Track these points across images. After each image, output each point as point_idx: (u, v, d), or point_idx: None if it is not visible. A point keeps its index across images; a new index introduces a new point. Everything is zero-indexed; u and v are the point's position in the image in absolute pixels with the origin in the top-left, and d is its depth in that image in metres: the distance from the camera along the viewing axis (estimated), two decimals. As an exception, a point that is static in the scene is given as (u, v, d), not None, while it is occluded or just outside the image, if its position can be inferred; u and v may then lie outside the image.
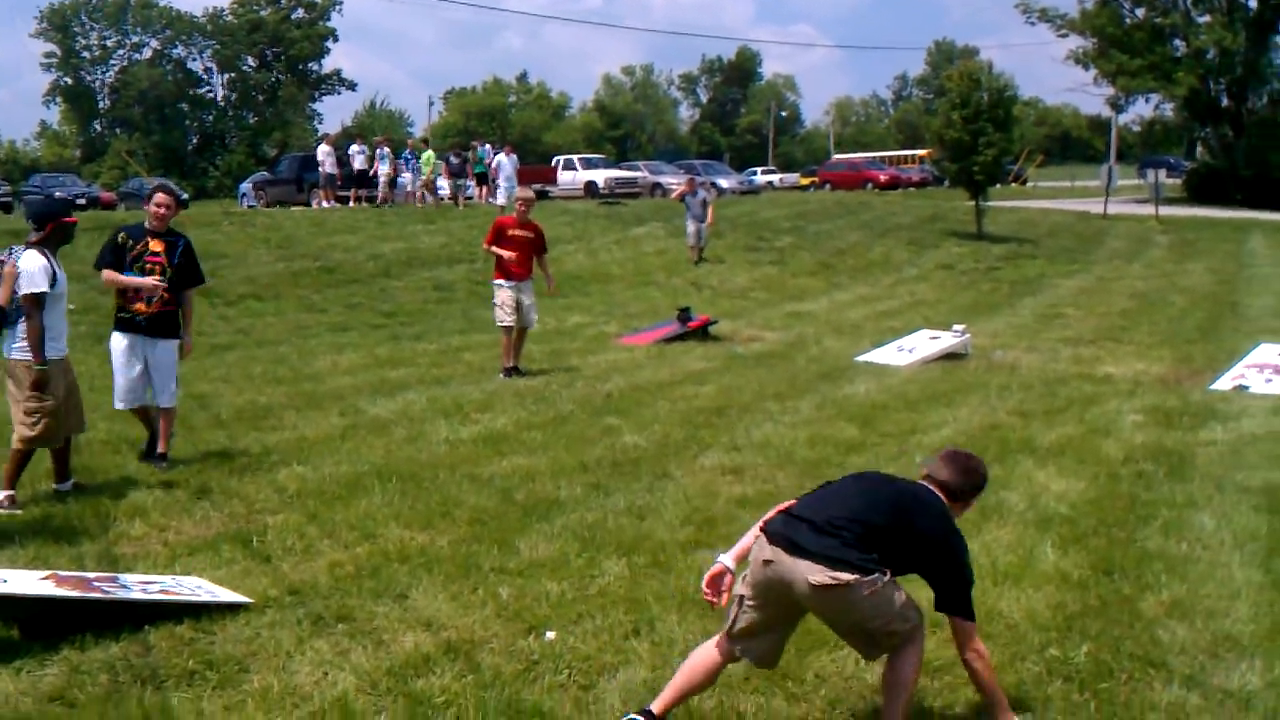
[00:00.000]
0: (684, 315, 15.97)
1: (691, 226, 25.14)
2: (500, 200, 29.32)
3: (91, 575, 5.62)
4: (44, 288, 7.24)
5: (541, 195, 38.34)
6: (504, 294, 12.42)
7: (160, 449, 8.49)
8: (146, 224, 8.49)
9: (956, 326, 14.54)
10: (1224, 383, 11.80)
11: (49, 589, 5.19)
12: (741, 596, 4.11)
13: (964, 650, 4.08)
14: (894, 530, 3.99)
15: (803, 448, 8.88)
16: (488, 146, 34.56)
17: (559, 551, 6.32)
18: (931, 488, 4.24)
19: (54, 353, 7.43)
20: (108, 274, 8.29)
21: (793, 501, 4.24)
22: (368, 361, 13.47)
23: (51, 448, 7.66)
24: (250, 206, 38.07)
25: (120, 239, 8.37)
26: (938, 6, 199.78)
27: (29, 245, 7.49)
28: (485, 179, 33.42)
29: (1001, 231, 31.63)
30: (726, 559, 4.25)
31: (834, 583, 3.82)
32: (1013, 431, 9.56)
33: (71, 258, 8.90)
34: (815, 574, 3.84)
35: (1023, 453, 8.78)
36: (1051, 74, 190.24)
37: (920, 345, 14.11)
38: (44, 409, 7.36)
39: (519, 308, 12.42)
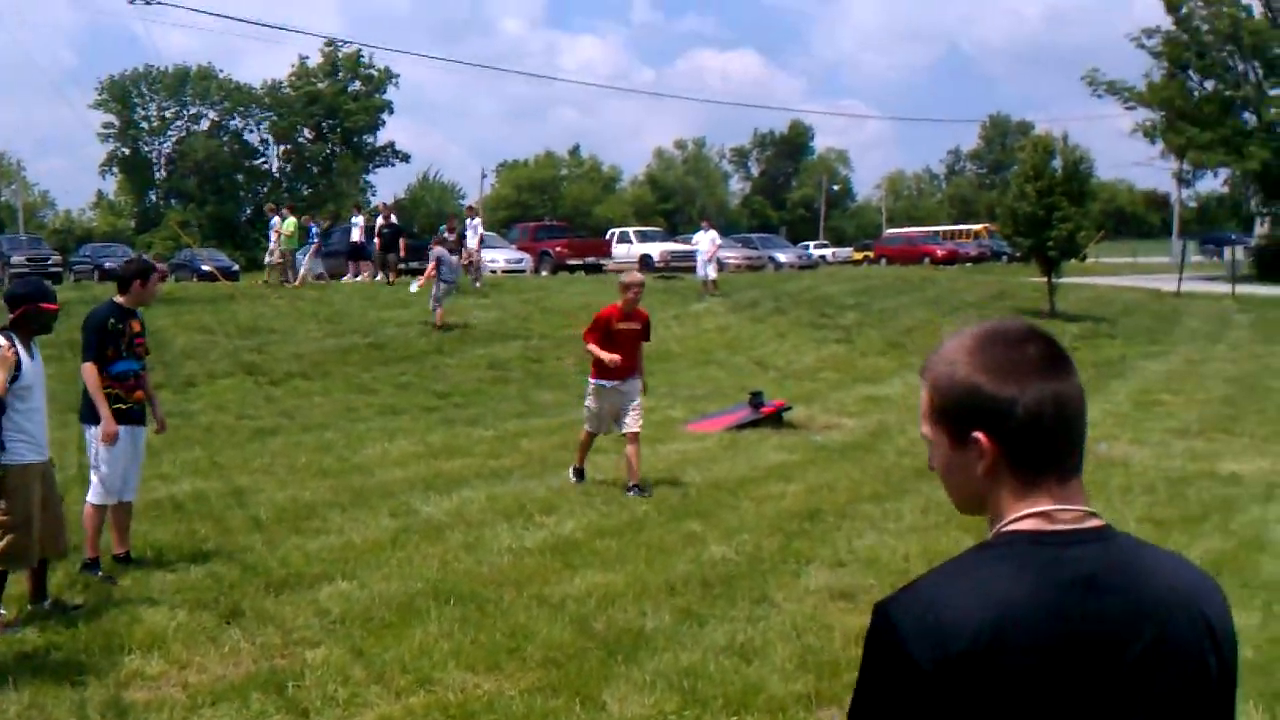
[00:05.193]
0: (756, 400, 14.90)
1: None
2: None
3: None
4: None
5: (595, 269, 37.62)
6: (602, 400, 10.25)
7: (127, 548, 7.78)
8: (122, 302, 7.56)
9: (1057, 416, 13.35)
10: (1372, 486, 10.56)
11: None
12: None
13: None
14: None
15: (918, 564, 7.73)
16: (478, 220, 31.19)
17: (655, 709, 5.22)
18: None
19: (23, 456, 6.37)
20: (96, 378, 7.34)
21: None
22: (420, 450, 12.46)
23: (21, 570, 6.65)
24: (319, 277, 37.55)
25: (110, 324, 7.39)
26: (990, 81, 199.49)
27: None
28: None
29: (1074, 310, 30.37)
30: None
31: None
32: (1153, 546, 8.38)
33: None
34: None
35: (1173, 574, 7.61)
36: (1104, 149, 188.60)
37: (1019, 437, 12.93)
38: (5, 524, 6.31)
39: (619, 414, 10.24)
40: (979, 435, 1.61)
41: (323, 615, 6.65)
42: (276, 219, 29.41)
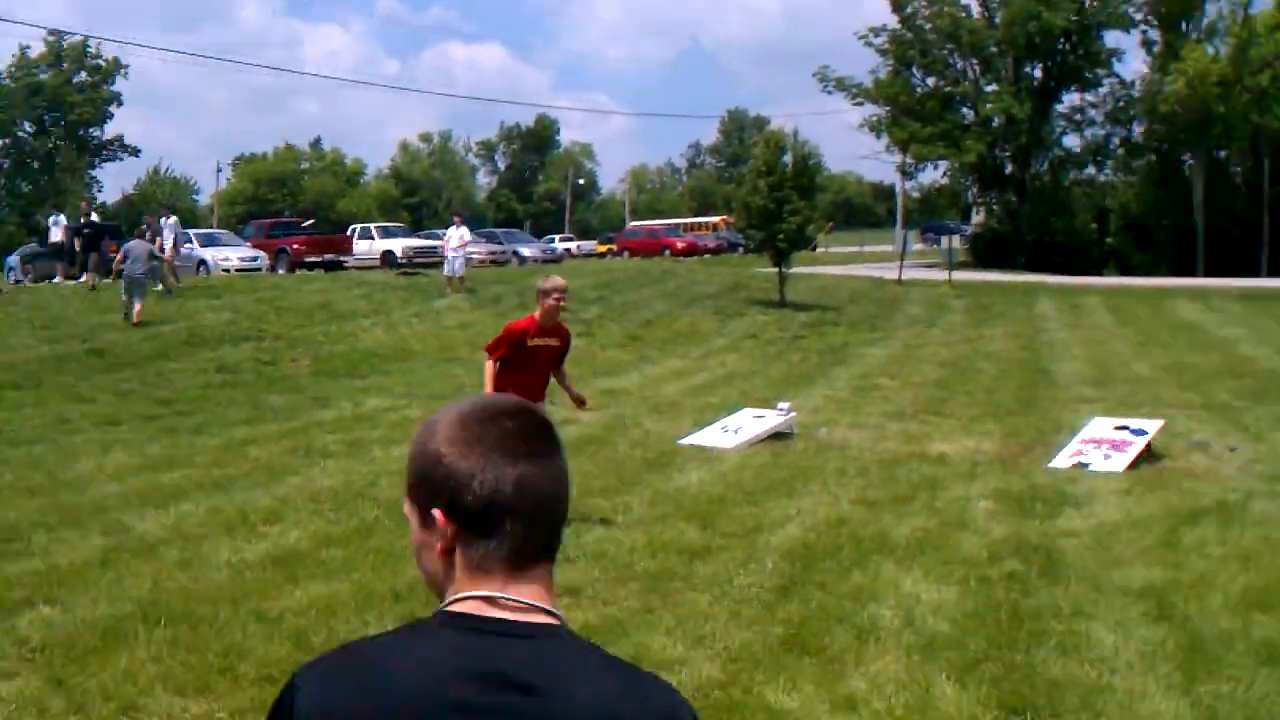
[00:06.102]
0: (494, 397, 14.89)
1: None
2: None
3: None
4: None
5: (336, 265, 36.67)
6: None
7: None
8: None
9: (781, 404, 13.87)
10: (1063, 460, 11.42)
11: None
12: None
13: None
14: None
15: (643, 557, 7.93)
16: (173, 219, 29.04)
17: (369, 720, 5.17)
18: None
19: None
20: None
21: None
22: (138, 462, 11.89)
23: None
24: (18, 282, 35.30)
25: None
26: (730, 76, 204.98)
27: None
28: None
29: (803, 299, 31.60)
30: None
31: None
32: (864, 527, 8.84)
33: None
34: None
35: (880, 553, 8.04)
36: (836, 143, 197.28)
37: (745, 425, 13.38)
38: None
39: None
40: (437, 513, 1.50)
41: (21, 644, 6.29)
42: None
